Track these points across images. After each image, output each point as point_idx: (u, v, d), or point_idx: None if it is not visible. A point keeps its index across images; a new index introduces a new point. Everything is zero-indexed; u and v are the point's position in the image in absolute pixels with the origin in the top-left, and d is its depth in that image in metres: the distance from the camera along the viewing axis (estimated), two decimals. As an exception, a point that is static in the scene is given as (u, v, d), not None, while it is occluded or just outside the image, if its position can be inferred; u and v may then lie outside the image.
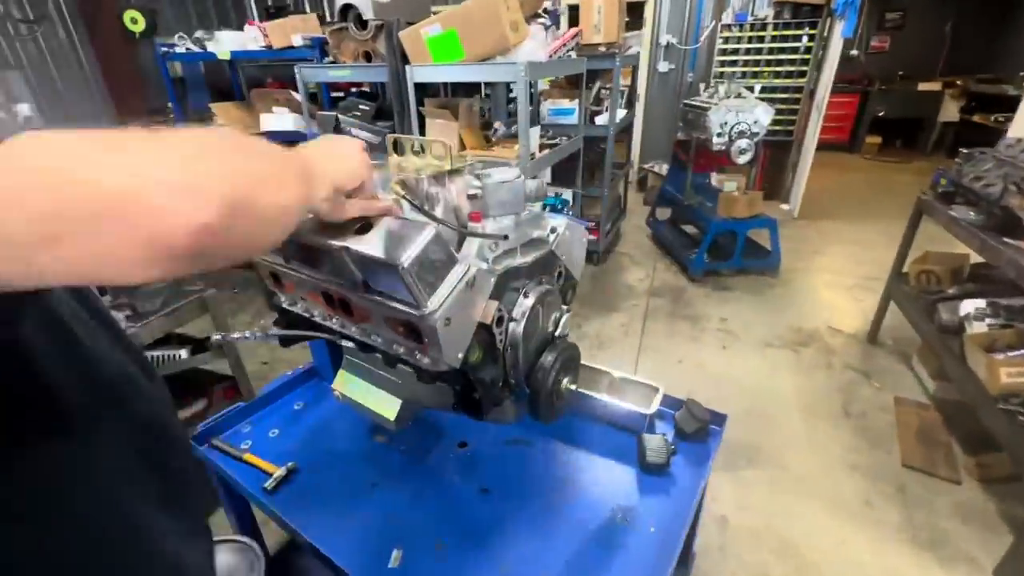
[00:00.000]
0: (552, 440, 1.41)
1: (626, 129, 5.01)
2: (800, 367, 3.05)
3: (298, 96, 3.20)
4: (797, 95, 5.62)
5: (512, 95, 3.54)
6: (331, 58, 2.94)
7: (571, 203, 3.53)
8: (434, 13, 2.71)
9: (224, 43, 3.57)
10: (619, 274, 4.43)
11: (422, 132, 2.82)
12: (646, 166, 6.54)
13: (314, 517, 1.18)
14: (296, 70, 2.91)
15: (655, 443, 1.29)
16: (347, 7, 2.64)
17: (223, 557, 1.42)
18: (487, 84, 3.57)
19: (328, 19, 3.66)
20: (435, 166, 1.03)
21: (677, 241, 4.60)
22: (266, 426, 1.53)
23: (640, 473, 1.29)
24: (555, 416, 1.10)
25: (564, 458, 1.36)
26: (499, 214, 0.96)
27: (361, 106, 2.94)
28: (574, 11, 3.61)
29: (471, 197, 0.98)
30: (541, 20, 2.96)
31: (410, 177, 0.97)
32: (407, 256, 0.77)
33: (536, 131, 2.90)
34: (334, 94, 4.44)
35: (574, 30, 3.23)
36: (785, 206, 5.93)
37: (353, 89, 4.51)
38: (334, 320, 1.05)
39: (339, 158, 0.69)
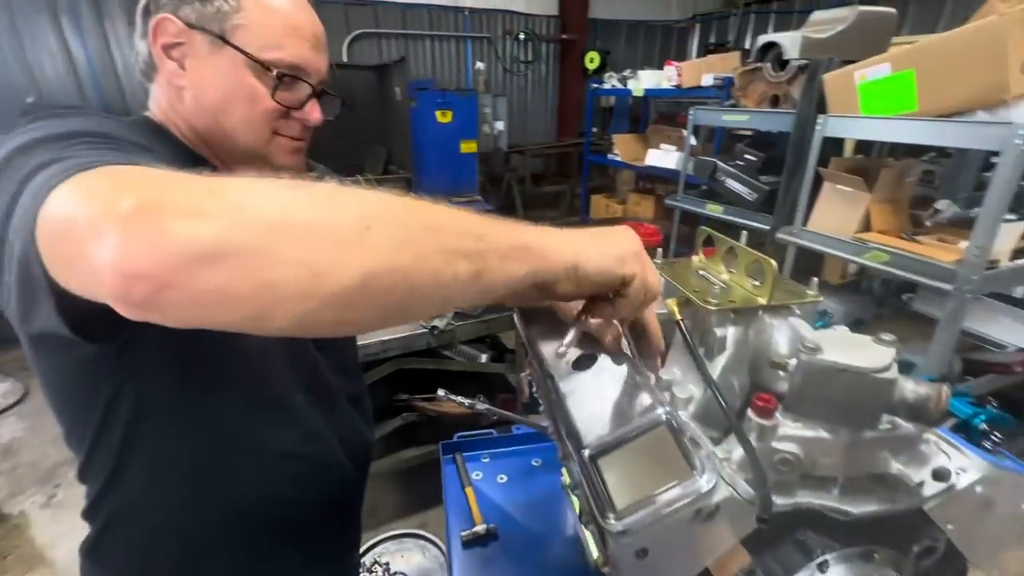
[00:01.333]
0: None
1: None
2: None
3: (688, 136, 3.08)
4: None
5: (992, 162, 2.37)
6: (732, 100, 2.66)
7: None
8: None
9: (642, 81, 3.80)
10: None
11: (812, 197, 2.22)
12: None
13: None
14: (691, 111, 2.78)
15: None
16: (769, 45, 2.29)
17: (420, 558, 1.51)
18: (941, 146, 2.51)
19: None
20: (744, 293, 0.67)
21: None
22: (500, 466, 1.51)
23: None
24: None
25: None
26: (817, 416, 0.54)
27: (747, 155, 2.56)
28: None
29: (775, 366, 0.58)
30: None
31: (699, 299, 0.66)
32: (597, 440, 0.50)
33: (1017, 228, 1.83)
34: (742, 133, 4.13)
35: None
36: None
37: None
38: (549, 428, 0.86)
39: (598, 241, 0.48)
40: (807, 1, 6.51)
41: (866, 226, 2.07)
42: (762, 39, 2.36)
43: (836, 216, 2.13)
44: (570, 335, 0.57)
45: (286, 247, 0.33)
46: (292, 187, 0.36)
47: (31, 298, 0.41)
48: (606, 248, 0.46)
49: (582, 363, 0.62)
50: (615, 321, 0.59)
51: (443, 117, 4.70)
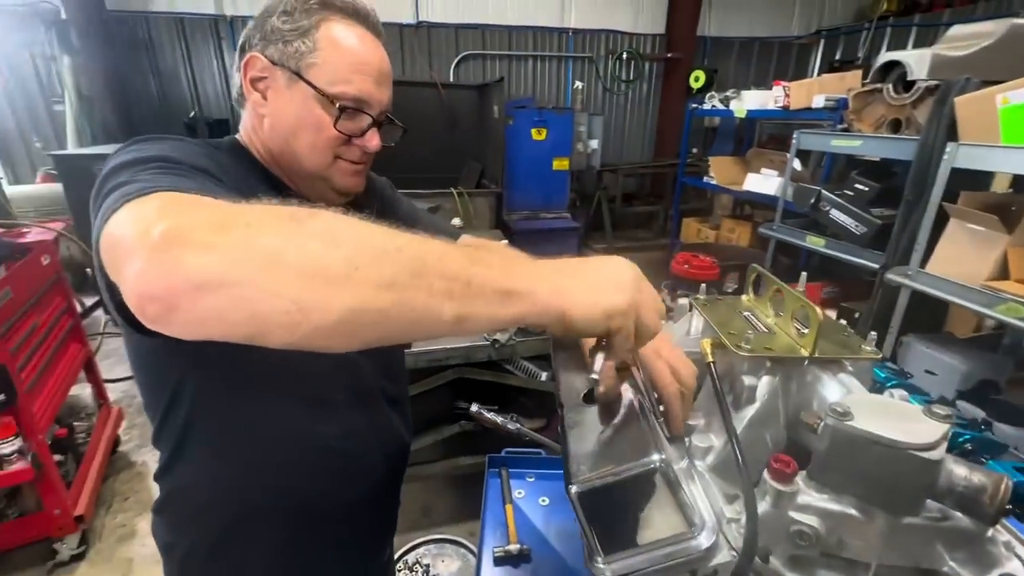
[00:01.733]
0: None
1: None
2: None
3: (790, 160, 2.85)
4: None
5: None
6: (844, 124, 2.41)
7: None
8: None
9: (746, 102, 3.58)
10: None
11: (935, 235, 1.94)
12: None
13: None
14: (795, 135, 2.56)
15: None
16: (890, 65, 2.05)
17: (459, 566, 1.53)
18: None
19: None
20: (788, 341, 0.62)
21: None
22: (544, 488, 1.49)
23: None
24: None
25: None
26: (845, 490, 0.48)
27: (858, 184, 2.30)
28: None
29: (806, 426, 0.53)
30: None
31: (732, 343, 0.62)
32: (581, 478, 0.49)
33: None
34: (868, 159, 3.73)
35: None
36: None
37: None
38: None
39: (589, 288, 0.47)
40: (957, 12, 5.74)
41: (1002, 273, 1.76)
42: (882, 57, 2.12)
43: (963, 259, 1.84)
44: (598, 363, 0.53)
45: (277, 283, 0.37)
46: (295, 223, 0.40)
47: (105, 294, 0.50)
48: (595, 297, 0.45)
49: (592, 396, 0.61)
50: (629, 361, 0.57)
51: (538, 135, 4.79)
